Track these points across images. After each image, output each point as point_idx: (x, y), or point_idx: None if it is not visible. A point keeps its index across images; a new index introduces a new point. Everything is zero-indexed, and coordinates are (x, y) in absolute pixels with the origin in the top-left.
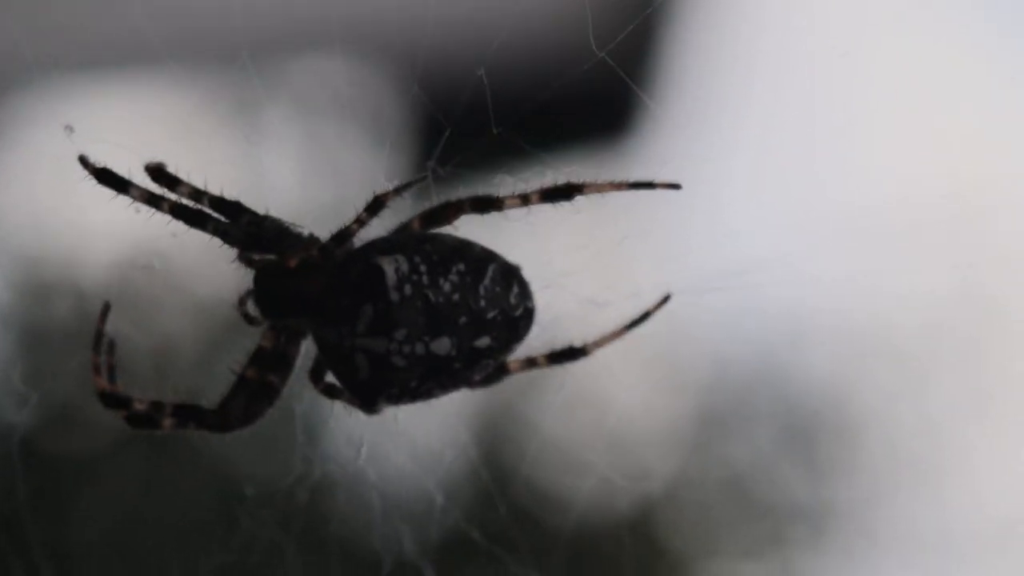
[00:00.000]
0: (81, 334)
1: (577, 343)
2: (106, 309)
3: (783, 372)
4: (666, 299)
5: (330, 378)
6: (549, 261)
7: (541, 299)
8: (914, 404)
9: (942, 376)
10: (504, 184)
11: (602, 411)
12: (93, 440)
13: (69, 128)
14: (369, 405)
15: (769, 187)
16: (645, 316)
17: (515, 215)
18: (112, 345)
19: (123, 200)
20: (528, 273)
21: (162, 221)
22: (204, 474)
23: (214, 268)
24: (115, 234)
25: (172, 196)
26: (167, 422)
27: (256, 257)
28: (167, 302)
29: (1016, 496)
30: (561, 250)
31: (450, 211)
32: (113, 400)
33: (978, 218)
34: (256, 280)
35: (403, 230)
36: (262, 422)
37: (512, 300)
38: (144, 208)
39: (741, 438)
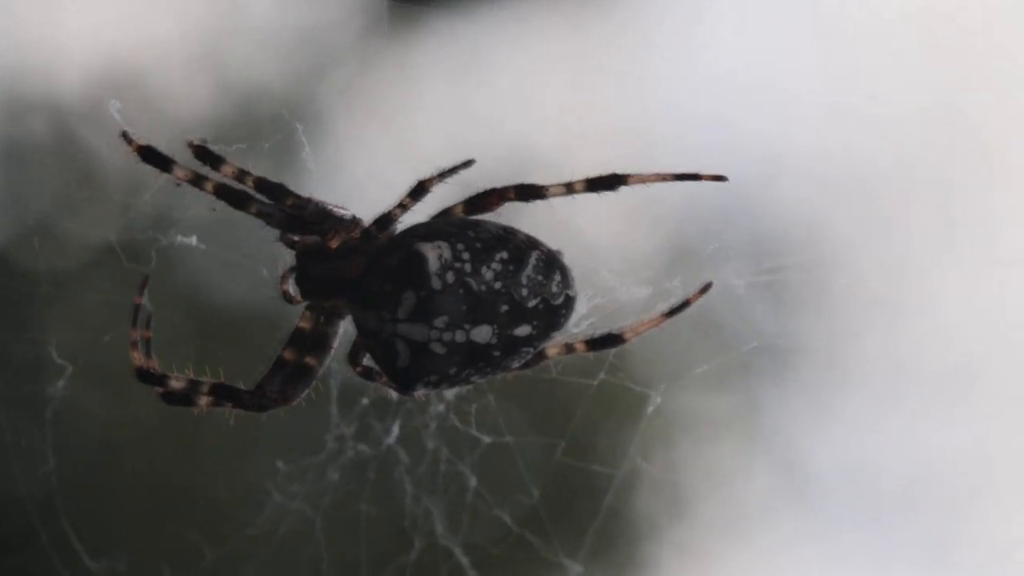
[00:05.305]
0: (56, 152)
1: (615, 330)
2: (144, 282)
3: (755, 207)
4: (707, 287)
5: (368, 361)
6: None
7: None
8: (884, 243)
9: (914, 215)
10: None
11: (573, 241)
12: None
13: (116, 103)
14: (407, 390)
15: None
16: (685, 304)
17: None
18: (149, 319)
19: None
20: None
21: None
22: (236, 445)
23: (193, 88)
24: (92, 50)
25: (215, 176)
26: (203, 400)
27: (298, 238)
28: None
29: (980, 336)
30: None
31: (494, 198)
32: (149, 377)
33: (957, 50)
34: (297, 260)
35: (446, 215)
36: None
37: (554, 289)
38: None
39: (710, 271)
